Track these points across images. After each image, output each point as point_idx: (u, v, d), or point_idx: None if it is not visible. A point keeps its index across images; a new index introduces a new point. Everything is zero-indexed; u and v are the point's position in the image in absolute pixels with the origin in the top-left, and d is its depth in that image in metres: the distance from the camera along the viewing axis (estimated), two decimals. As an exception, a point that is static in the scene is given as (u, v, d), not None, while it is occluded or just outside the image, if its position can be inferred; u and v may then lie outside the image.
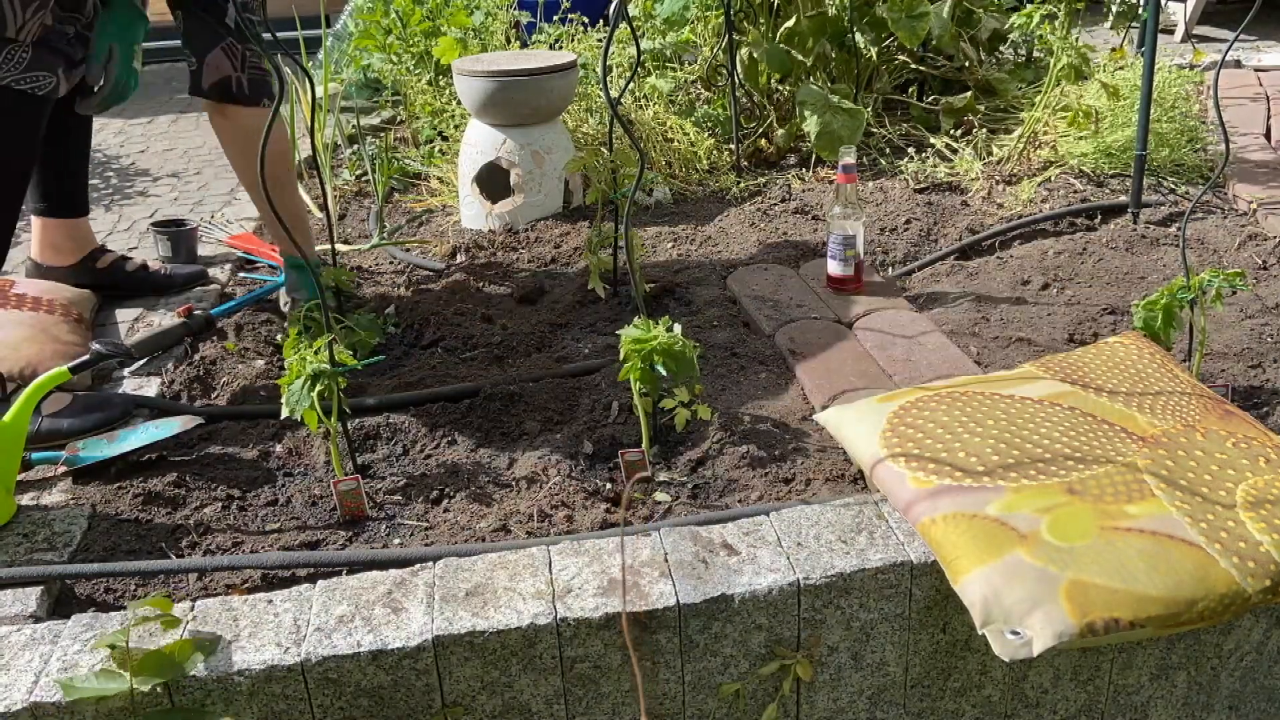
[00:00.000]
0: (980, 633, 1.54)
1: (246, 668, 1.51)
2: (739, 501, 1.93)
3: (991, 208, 3.29)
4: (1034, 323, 2.56)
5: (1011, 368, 2.22)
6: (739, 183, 3.61)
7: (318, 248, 3.16)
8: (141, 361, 2.54)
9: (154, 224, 3.27)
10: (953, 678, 1.78)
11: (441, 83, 4.20)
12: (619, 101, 3.54)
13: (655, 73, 3.98)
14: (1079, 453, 1.79)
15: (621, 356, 1.98)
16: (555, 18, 4.23)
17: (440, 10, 4.23)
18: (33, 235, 2.87)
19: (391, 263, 3.16)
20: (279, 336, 2.65)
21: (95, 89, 2.36)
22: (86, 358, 2.21)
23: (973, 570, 1.57)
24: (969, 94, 3.84)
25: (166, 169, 4.37)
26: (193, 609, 1.63)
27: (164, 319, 2.76)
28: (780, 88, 3.92)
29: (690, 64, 4.04)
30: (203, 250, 3.27)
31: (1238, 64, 4.85)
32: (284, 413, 1.88)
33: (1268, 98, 4.28)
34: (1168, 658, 1.81)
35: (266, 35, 1.92)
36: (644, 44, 3.97)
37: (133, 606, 1.52)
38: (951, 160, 3.62)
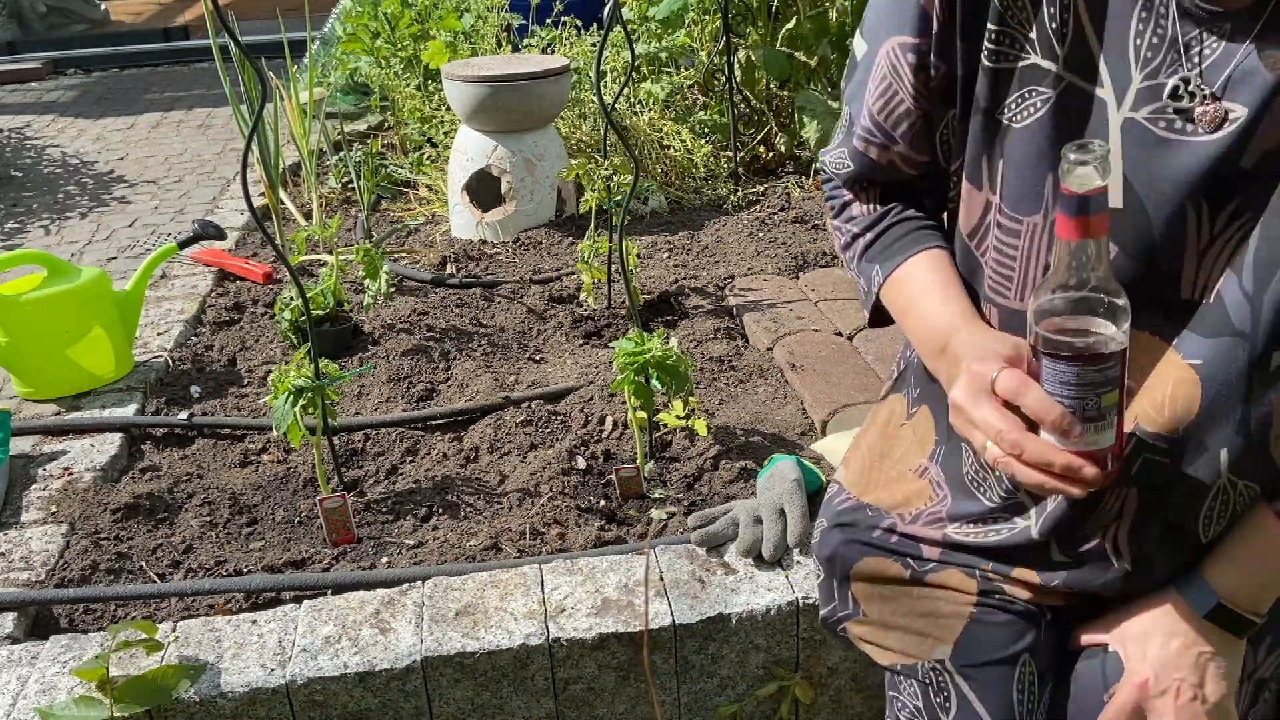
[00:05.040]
0: None
1: (230, 690, 1.48)
2: (736, 517, 1.89)
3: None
4: (1034, 333, 2.52)
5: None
6: (737, 191, 3.57)
7: (303, 258, 3.11)
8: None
9: None
10: (955, 699, 1.74)
11: (430, 88, 4.14)
12: (613, 107, 3.51)
13: (650, 78, 3.93)
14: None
15: (615, 369, 1.94)
16: (548, 20, 4.18)
17: (429, 13, 4.17)
18: None
19: (381, 271, 3.10)
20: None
21: None
22: (190, 235, 2.73)
23: None
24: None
25: (146, 175, 4.29)
26: (174, 630, 1.59)
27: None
28: (780, 93, 3.88)
29: (687, 68, 3.99)
30: (177, 270, 3.11)
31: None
32: (275, 430, 1.84)
33: None
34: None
35: (249, 39, 1.88)
36: (639, 47, 3.92)
37: (113, 630, 1.47)
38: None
